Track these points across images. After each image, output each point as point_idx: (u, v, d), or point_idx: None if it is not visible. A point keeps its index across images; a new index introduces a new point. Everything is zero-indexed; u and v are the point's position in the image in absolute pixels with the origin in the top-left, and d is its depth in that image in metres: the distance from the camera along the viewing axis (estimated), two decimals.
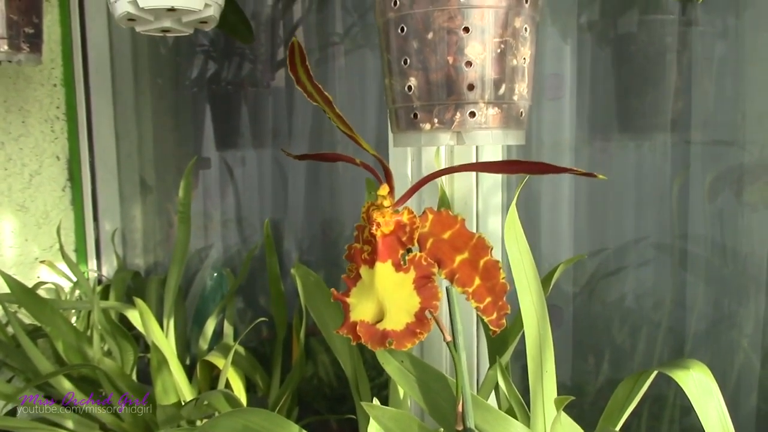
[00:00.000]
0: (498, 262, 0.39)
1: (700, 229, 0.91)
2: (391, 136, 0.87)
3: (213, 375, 1.08)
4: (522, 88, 0.54)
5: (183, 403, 0.92)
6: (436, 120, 0.52)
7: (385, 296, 0.37)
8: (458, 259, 0.39)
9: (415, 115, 0.53)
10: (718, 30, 0.87)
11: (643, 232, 0.97)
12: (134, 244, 1.55)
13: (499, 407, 0.70)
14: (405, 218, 0.39)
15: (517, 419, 0.62)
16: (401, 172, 0.86)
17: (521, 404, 0.62)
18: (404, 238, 0.38)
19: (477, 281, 0.39)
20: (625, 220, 0.99)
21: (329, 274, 1.34)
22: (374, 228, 0.38)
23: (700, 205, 0.91)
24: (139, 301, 0.96)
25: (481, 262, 0.38)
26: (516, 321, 0.68)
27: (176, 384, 0.96)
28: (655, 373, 0.63)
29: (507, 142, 0.54)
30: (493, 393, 0.72)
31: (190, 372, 1.09)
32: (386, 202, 0.39)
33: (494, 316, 0.39)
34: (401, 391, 0.77)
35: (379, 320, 0.37)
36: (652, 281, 0.96)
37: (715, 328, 0.89)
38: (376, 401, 0.68)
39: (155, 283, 1.26)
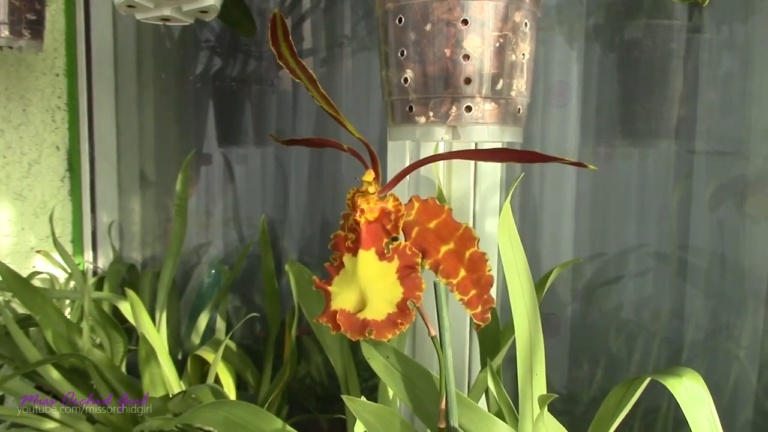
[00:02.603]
0: (485, 254, 0.37)
1: (700, 240, 0.90)
2: (389, 151, 0.87)
3: (204, 370, 1.07)
4: (520, 84, 0.53)
5: (171, 397, 0.91)
6: (431, 113, 0.51)
7: (368, 285, 0.36)
8: (443, 249, 0.38)
9: (411, 108, 0.52)
10: (725, 38, 0.86)
11: (643, 240, 0.95)
12: (131, 237, 1.55)
13: (489, 410, 0.68)
14: (390, 205, 0.38)
15: (505, 422, 0.60)
16: (399, 167, 0.85)
17: (510, 407, 0.61)
18: (389, 226, 0.37)
19: (462, 273, 0.37)
20: (626, 228, 0.98)
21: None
22: (358, 214, 0.37)
23: (701, 215, 0.90)
24: (129, 292, 0.95)
25: (467, 254, 0.37)
26: (509, 324, 0.67)
27: (164, 377, 0.94)
28: (648, 380, 0.62)
29: (503, 139, 0.53)
30: (483, 396, 0.71)
31: (182, 367, 1.08)
32: (371, 189, 0.38)
33: (479, 309, 0.38)
34: (391, 392, 0.76)
35: (361, 310, 0.36)
36: (650, 290, 0.95)
37: (712, 339, 0.88)
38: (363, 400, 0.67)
39: (150, 276, 1.26)
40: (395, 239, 0.38)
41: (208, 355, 1.00)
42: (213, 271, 1.44)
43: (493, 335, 0.72)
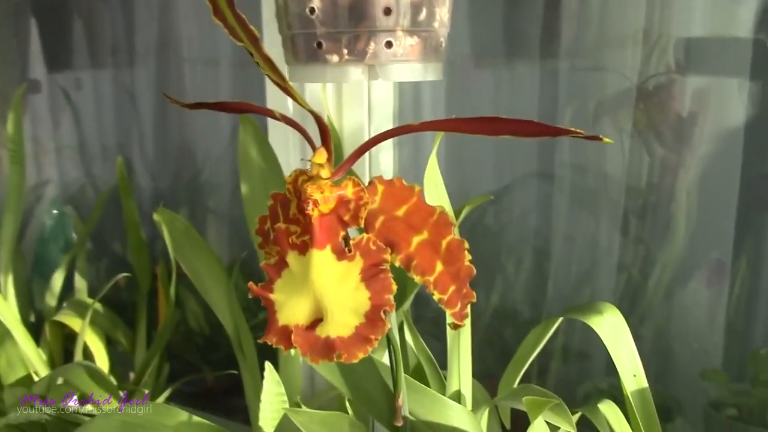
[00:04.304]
0: (463, 241, 0.32)
1: (574, 158, 0.90)
2: (267, 85, 0.76)
3: (65, 333, 0.96)
4: (443, 13, 0.46)
5: (34, 379, 0.80)
6: (345, 51, 0.44)
7: (325, 292, 0.29)
8: (416, 240, 0.31)
9: (320, 45, 0.44)
10: None
11: (516, 164, 0.94)
12: None
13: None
14: (349, 192, 0.30)
15: (426, 377, 0.57)
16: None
17: (432, 362, 0.57)
18: (346, 217, 0.30)
19: (439, 267, 0.31)
20: (499, 152, 0.96)
21: (190, 213, 1.23)
22: (310, 207, 0.29)
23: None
24: None
25: (444, 243, 0.31)
26: None
27: (23, 355, 0.82)
28: (561, 319, 0.61)
29: (426, 78, 0.46)
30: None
31: (37, 332, 0.95)
32: (324, 173, 0.30)
33: (458, 307, 0.32)
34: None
35: (316, 320, 0.29)
36: (529, 211, 0.95)
37: (589, 256, 0.89)
38: (269, 366, 0.61)
39: None
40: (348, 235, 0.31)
41: (71, 320, 0.89)
42: (56, 212, 1.28)
43: (400, 281, 0.67)
